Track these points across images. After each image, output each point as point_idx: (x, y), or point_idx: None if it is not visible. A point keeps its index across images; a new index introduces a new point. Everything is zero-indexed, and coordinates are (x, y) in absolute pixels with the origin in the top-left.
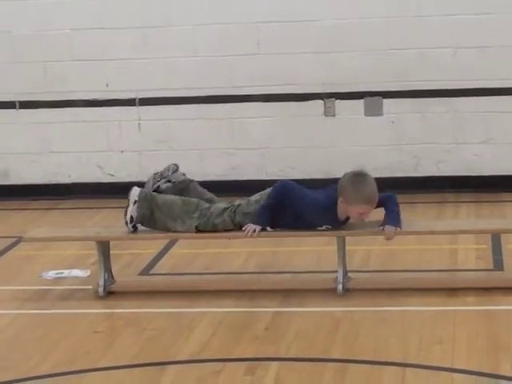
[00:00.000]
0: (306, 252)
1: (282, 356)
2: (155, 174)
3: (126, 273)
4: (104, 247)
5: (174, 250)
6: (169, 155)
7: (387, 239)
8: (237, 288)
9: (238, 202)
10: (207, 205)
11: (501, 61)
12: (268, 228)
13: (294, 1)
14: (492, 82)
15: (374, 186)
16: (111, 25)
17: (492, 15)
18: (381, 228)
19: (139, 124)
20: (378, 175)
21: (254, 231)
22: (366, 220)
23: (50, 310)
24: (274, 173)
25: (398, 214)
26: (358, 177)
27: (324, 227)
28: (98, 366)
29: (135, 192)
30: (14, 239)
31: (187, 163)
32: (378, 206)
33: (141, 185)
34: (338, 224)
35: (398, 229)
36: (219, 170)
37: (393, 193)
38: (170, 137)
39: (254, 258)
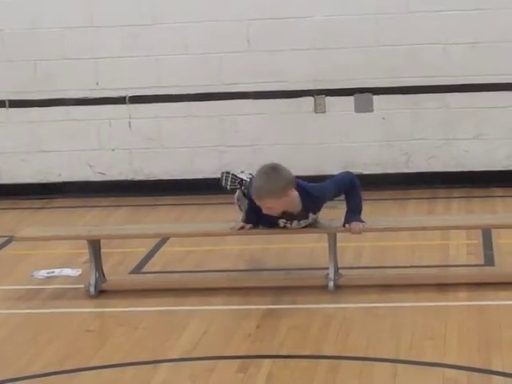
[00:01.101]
0: (298, 249)
1: (275, 353)
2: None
3: (117, 271)
4: (95, 246)
5: (165, 248)
6: (160, 153)
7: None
8: (228, 286)
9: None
10: None
11: (491, 56)
12: (261, 226)
13: None
14: (482, 77)
15: (268, 184)
16: (101, 23)
17: (482, 11)
18: (347, 226)
19: (130, 122)
20: (368, 171)
21: (243, 228)
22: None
23: (42, 309)
24: None
25: (359, 206)
26: (263, 169)
27: (281, 222)
28: (90, 365)
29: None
30: (5, 238)
31: (178, 161)
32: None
33: (135, 183)
34: (292, 217)
35: (365, 224)
36: (210, 167)
37: (348, 172)
38: (161, 135)
39: (245, 255)
